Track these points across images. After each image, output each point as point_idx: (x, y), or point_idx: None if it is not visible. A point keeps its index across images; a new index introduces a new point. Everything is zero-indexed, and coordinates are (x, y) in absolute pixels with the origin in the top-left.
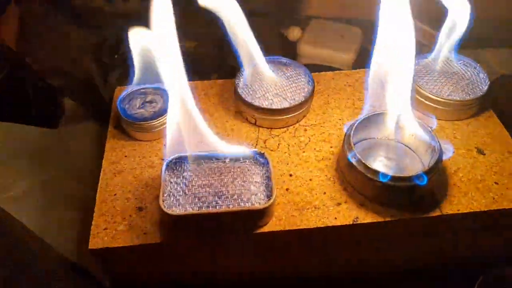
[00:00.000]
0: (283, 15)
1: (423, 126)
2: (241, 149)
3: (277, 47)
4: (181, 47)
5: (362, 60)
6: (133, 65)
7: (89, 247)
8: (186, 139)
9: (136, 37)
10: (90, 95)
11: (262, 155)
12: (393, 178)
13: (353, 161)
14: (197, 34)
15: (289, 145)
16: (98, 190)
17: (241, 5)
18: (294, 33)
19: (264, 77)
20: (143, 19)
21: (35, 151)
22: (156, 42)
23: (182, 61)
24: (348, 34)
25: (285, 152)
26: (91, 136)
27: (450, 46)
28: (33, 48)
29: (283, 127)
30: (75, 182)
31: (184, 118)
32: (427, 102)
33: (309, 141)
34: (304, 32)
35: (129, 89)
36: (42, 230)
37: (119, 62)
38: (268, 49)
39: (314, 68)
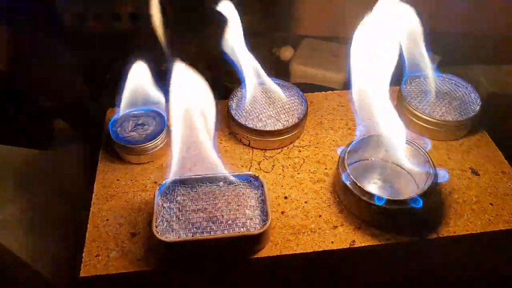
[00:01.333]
0: (275, 35)
1: (418, 150)
2: (236, 173)
3: (270, 66)
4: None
5: None
6: (122, 88)
7: (81, 275)
8: (185, 161)
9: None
10: (81, 116)
11: (256, 178)
12: (388, 202)
13: (348, 184)
14: (190, 54)
15: (283, 167)
16: (90, 216)
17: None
18: (286, 52)
19: (257, 98)
20: (134, 39)
21: (25, 173)
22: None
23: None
24: (339, 53)
25: (280, 174)
26: (82, 158)
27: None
28: (24, 69)
29: (277, 148)
30: (65, 206)
31: (191, 139)
32: (420, 123)
33: (304, 162)
34: (296, 52)
35: (121, 111)
36: (31, 256)
37: (110, 82)
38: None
39: (306, 87)
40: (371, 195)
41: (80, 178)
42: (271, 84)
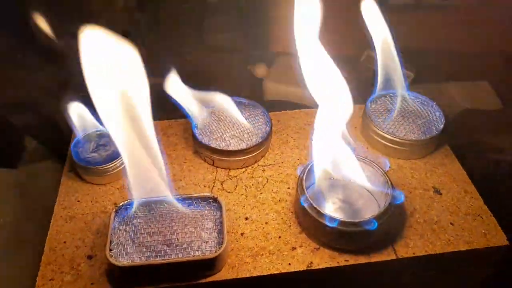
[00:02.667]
0: (252, 52)
1: (377, 170)
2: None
3: (244, 83)
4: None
5: None
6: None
7: None
8: (143, 183)
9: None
10: (52, 134)
11: (215, 200)
12: (342, 223)
13: (305, 205)
14: (163, 70)
15: (246, 187)
16: (47, 238)
17: (209, 41)
18: (260, 69)
19: (221, 117)
20: None
21: None
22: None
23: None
24: None
25: (242, 194)
26: (51, 177)
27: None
28: None
29: (241, 168)
30: (32, 226)
31: (140, 161)
32: (383, 142)
33: (267, 182)
34: (270, 69)
35: (83, 131)
36: None
37: (85, 100)
38: (235, 86)
39: (279, 105)
40: (324, 217)
41: (49, 197)
42: (236, 104)
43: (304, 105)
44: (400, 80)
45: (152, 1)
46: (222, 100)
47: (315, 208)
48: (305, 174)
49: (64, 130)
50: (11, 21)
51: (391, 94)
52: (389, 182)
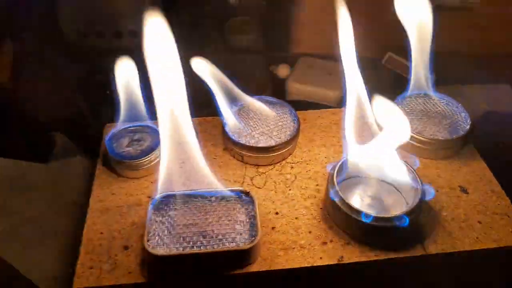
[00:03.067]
0: (274, 53)
1: (406, 167)
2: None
3: (267, 84)
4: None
5: None
6: (119, 102)
7: (74, 287)
8: (177, 176)
9: (123, 73)
10: (80, 130)
11: (247, 193)
12: (376, 219)
13: (337, 201)
14: (189, 70)
15: (275, 183)
16: (84, 228)
17: (231, 43)
18: (282, 70)
19: (251, 115)
20: (136, 56)
21: (24, 185)
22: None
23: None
24: (335, 71)
25: (272, 190)
26: (80, 171)
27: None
28: (26, 83)
29: (269, 165)
30: (63, 218)
31: (179, 154)
32: (410, 141)
33: (295, 178)
34: (292, 70)
35: (118, 127)
36: (28, 269)
37: (110, 98)
38: (258, 86)
39: (301, 105)
40: (358, 212)
41: (79, 190)
42: (264, 102)
43: (325, 105)
44: (428, 81)
45: (176, 3)
46: (251, 98)
47: (347, 203)
48: (335, 171)
49: (92, 126)
50: (40, 20)
51: (417, 95)
52: (418, 178)
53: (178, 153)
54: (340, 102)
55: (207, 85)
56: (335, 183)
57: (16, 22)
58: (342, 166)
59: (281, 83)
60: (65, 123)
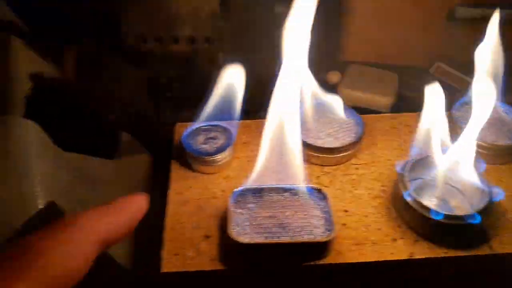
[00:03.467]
0: (322, 60)
1: (473, 170)
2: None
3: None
4: None
5: (400, 104)
6: (206, 101)
7: (162, 271)
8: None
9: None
10: (144, 129)
11: (319, 190)
12: (447, 217)
13: (409, 199)
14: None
15: (341, 182)
16: (166, 218)
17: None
18: (333, 77)
19: (316, 117)
20: (191, 60)
21: (93, 180)
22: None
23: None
24: (385, 78)
25: (338, 189)
26: (144, 167)
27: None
28: (89, 84)
29: (334, 165)
30: None
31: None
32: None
33: (361, 179)
34: (343, 76)
35: (193, 125)
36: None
37: (171, 100)
38: None
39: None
40: (430, 211)
41: (143, 185)
42: (327, 105)
43: (376, 111)
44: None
45: (231, 10)
46: (316, 101)
47: (419, 202)
48: (405, 171)
49: (153, 124)
50: (102, 24)
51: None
52: (485, 181)
53: (278, 149)
54: (392, 108)
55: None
56: (407, 182)
57: (80, 26)
58: (411, 167)
59: (332, 89)
60: (129, 122)
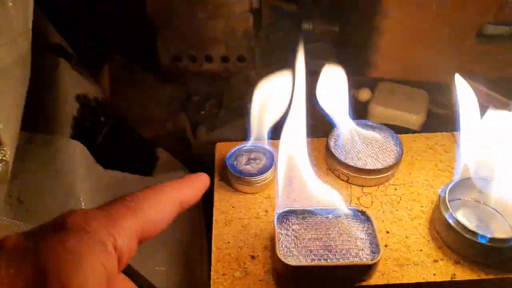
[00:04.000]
0: (351, 78)
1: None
2: (342, 206)
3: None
4: None
5: (430, 122)
6: (249, 123)
7: None
8: (292, 193)
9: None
10: (180, 147)
11: (363, 212)
12: (492, 240)
13: (451, 222)
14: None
15: (381, 203)
16: (212, 238)
17: (309, 67)
18: (363, 94)
19: (354, 139)
20: (224, 78)
21: None
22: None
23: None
24: (415, 96)
25: (379, 210)
26: None
27: None
28: (122, 103)
29: (373, 186)
30: (169, 228)
31: (296, 172)
32: None
33: (400, 200)
34: (373, 93)
35: (236, 146)
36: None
37: (205, 118)
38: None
39: None
40: (474, 233)
41: None
42: (365, 126)
43: (407, 128)
44: None
45: (262, 29)
46: (354, 122)
47: (462, 224)
48: (446, 194)
49: (189, 142)
50: (138, 46)
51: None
52: None
53: (294, 172)
54: (422, 126)
55: None
56: (449, 205)
57: (115, 44)
58: (452, 189)
59: (362, 106)
60: (167, 140)
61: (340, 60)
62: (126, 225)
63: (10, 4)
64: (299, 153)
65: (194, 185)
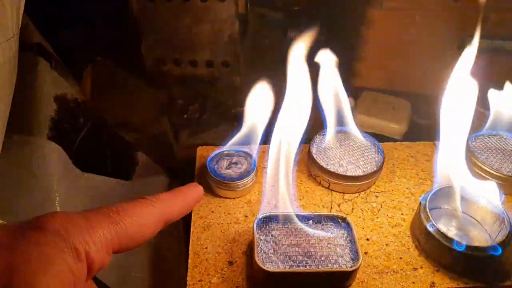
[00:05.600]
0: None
1: (490, 201)
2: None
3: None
4: None
5: (412, 131)
6: (239, 127)
7: None
8: (280, 198)
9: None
10: (162, 151)
11: (344, 219)
12: (469, 248)
13: (431, 230)
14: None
15: (362, 210)
16: (190, 243)
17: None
18: None
19: (337, 145)
20: (208, 83)
21: (110, 201)
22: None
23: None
24: (398, 105)
25: (360, 217)
26: (162, 189)
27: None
28: (103, 105)
29: (354, 192)
30: None
31: (281, 178)
32: (487, 177)
33: (381, 207)
34: (357, 102)
35: (217, 150)
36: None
37: (188, 122)
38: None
39: None
40: (452, 241)
41: None
42: (347, 133)
43: (390, 137)
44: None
45: (248, 35)
46: (336, 128)
47: (441, 232)
48: (427, 202)
49: (171, 147)
50: (121, 45)
51: (490, 134)
52: (505, 212)
53: (275, 176)
54: (404, 135)
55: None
56: (429, 213)
57: (97, 46)
58: (433, 198)
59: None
60: (148, 144)
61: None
62: (102, 235)
63: (7, 4)
64: (286, 158)
65: (184, 199)
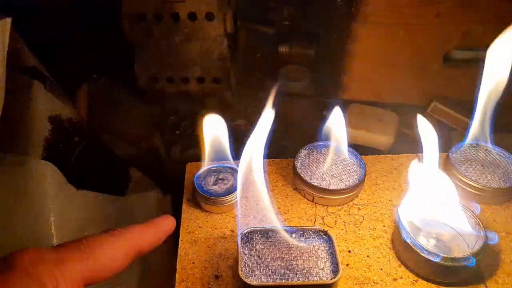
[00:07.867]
0: (323, 99)
1: (468, 213)
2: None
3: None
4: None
5: (399, 143)
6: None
7: None
8: (254, 213)
9: (209, 122)
10: (154, 166)
11: (325, 233)
12: (445, 259)
13: (409, 241)
14: (249, 114)
15: (345, 223)
16: (178, 258)
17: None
18: None
19: (320, 159)
20: (201, 99)
21: (105, 217)
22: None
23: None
24: (385, 118)
25: (342, 229)
26: (154, 204)
27: (486, 136)
28: (98, 121)
29: (338, 205)
30: None
31: (253, 194)
32: (467, 188)
33: (363, 219)
34: (344, 115)
35: (204, 167)
36: None
37: (180, 138)
38: (312, 128)
39: (354, 148)
40: (429, 252)
41: None
42: (330, 147)
43: (376, 149)
44: (485, 132)
45: (238, 51)
46: (319, 143)
47: (418, 244)
48: (404, 213)
49: (163, 161)
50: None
51: (470, 145)
52: (481, 224)
53: (252, 192)
54: (391, 148)
55: None
56: (407, 225)
57: (92, 64)
58: (410, 208)
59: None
60: (141, 159)
61: (314, 83)
62: (73, 269)
63: None
64: (256, 173)
65: (156, 231)
